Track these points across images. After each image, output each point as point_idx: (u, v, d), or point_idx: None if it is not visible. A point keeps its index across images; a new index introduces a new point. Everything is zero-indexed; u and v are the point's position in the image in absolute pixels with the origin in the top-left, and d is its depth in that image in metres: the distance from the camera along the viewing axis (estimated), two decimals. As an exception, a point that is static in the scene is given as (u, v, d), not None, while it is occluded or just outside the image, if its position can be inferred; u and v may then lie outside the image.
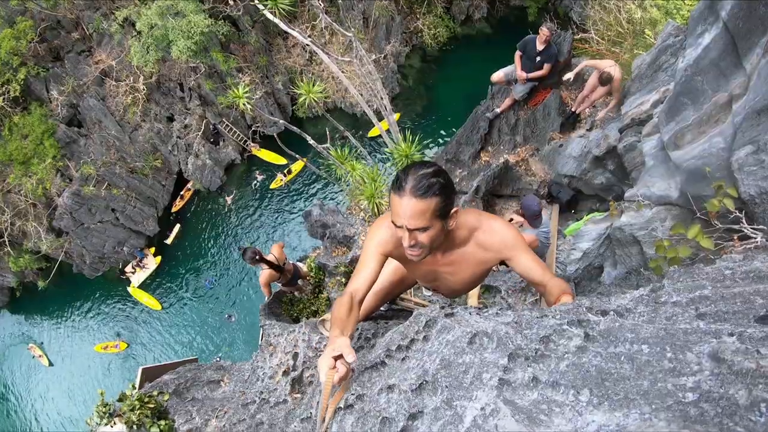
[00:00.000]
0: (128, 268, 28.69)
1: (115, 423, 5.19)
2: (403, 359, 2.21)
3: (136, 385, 5.84)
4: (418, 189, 2.24)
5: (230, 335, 26.05)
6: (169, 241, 29.07)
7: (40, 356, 29.17)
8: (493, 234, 2.62)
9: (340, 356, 2.15)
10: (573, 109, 10.08)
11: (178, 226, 29.21)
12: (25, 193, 25.29)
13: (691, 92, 4.45)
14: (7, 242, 26.36)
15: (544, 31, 9.30)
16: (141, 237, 28.66)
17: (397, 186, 2.28)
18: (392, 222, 2.39)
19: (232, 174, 29.48)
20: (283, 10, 17.25)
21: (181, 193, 29.64)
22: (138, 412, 5.19)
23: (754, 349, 0.83)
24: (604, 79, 8.54)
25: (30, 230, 26.14)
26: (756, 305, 0.95)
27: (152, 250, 29.05)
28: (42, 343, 29.74)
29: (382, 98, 12.63)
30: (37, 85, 24.83)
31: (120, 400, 5.43)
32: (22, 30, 23.24)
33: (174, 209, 29.57)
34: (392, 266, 3.64)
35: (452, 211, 2.42)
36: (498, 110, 11.40)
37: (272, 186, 28.27)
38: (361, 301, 2.59)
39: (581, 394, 1.02)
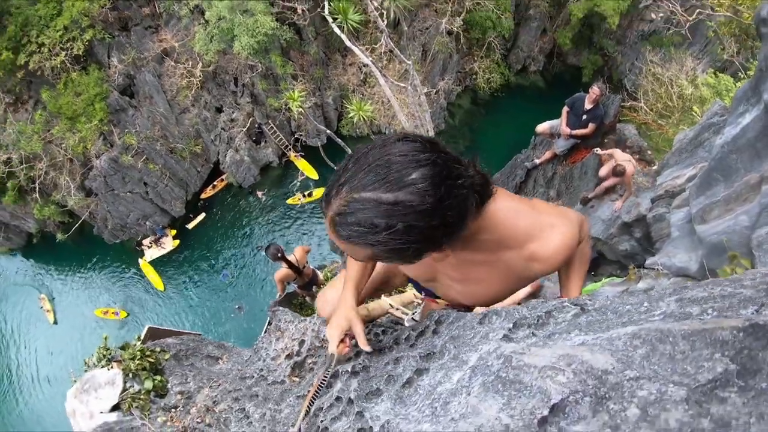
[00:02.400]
0: (146, 242, 29.21)
1: (112, 367, 5.36)
2: (412, 345, 2.07)
3: (141, 338, 6.02)
4: (340, 224, 1.29)
5: (236, 326, 26.19)
6: (190, 225, 29.53)
7: (48, 311, 29.64)
8: (548, 247, 1.73)
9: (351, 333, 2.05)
10: (585, 194, 10.20)
11: (203, 214, 29.69)
12: (65, 147, 25.93)
13: (724, 169, 4.57)
14: (37, 189, 27.01)
15: (594, 90, 9.44)
16: (166, 216, 29.18)
17: (326, 193, 1.34)
18: None
19: (266, 175, 29.97)
20: (351, 26, 17.85)
21: (214, 182, 30.20)
22: (138, 362, 5.38)
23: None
24: (618, 172, 8.68)
25: (61, 183, 26.75)
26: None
27: (173, 231, 29.51)
28: (53, 299, 30.17)
29: (428, 130, 12.89)
30: (100, 49, 25.62)
31: (122, 348, 5.63)
32: (95, -5, 24.13)
33: (203, 196, 30.10)
34: None
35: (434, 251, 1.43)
36: (537, 161, 11.55)
37: (289, 202, 28.73)
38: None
39: (572, 333, 1.20)
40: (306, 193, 28.50)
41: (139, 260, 29.23)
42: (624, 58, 28.25)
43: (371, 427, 1.69)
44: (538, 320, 1.50)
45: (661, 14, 25.76)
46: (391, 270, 2.60)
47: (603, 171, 9.49)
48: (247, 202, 29.65)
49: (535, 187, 11.73)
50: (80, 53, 24.35)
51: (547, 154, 11.30)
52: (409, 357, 1.90)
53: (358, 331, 2.04)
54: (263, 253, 26.98)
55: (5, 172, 26.34)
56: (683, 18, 21.99)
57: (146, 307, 28.31)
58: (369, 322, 3.17)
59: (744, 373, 0.74)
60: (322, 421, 2.06)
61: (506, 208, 1.68)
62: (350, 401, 1.96)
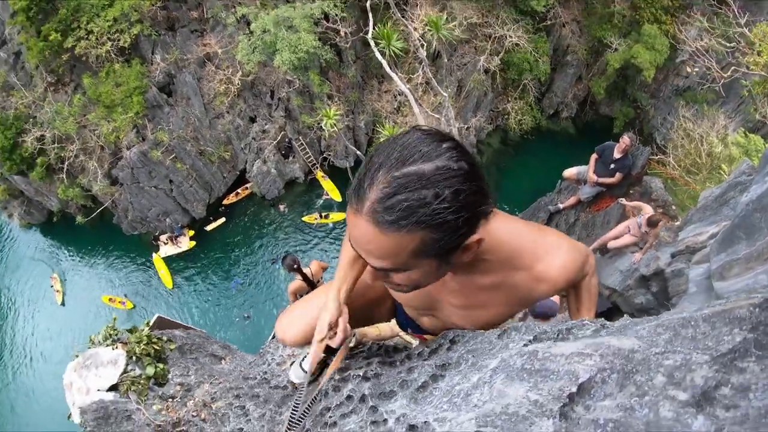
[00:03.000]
0: (162, 238, 29.52)
1: (117, 348, 5.40)
2: (426, 359, 2.00)
3: (150, 324, 6.08)
4: (387, 210, 1.21)
5: (241, 334, 26.21)
6: (209, 228, 29.79)
7: (57, 291, 30.08)
8: (554, 267, 1.69)
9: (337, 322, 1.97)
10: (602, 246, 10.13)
11: (223, 219, 29.98)
12: (98, 134, 26.44)
13: (748, 227, 4.54)
14: (65, 170, 27.50)
15: (624, 139, 9.46)
16: (186, 215, 29.50)
17: (355, 190, 1.27)
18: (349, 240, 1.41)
19: (290, 190, 30.25)
20: (392, 53, 18.15)
21: (238, 190, 30.53)
22: (143, 347, 5.42)
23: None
24: (652, 222, 8.64)
25: (89, 168, 27.24)
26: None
27: (191, 232, 29.80)
28: (65, 280, 30.55)
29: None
30: (146, 45, 26.19)
31: (130, 331, 5.69)
32: (149, -9, 24.81)
33: (225, 202, 30.42)
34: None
35: (468, 241, 1.36)
36: (561, 206, 11.53)
37: (305, 219, 28.94)
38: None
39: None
40: (323, 215, 28.68)
41: (153, 254, 29.55)
42: (656, 111, 28.33)
43: (386, 419, 1.68)
44: (558, 334, 1.51)
45: (697, 69, 25.87)
46: (375, 299, 2.37)
47: (619, 228, 9.45)
48: (268, 213, 29.89)
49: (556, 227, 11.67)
50: (126, 46, 24.93)
51: (572, 200, 11.28)
52: (423, 365, 1.89)
53: (339, 317, 1.98)
54: (277, 266, 27.14)
55: (37, 149, 26.92)
56: (718, 75, 22.07)
57: (152, 301, 28.50)
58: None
59: (761, 343, 0.79)
60: (330, 417, 2.04)
61: (509, 228, 1.65)
62: (363, 398, 1.95)
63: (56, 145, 26.86)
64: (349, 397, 2.05)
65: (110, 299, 28.75)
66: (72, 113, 26.02)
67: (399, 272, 1.37)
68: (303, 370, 3.05)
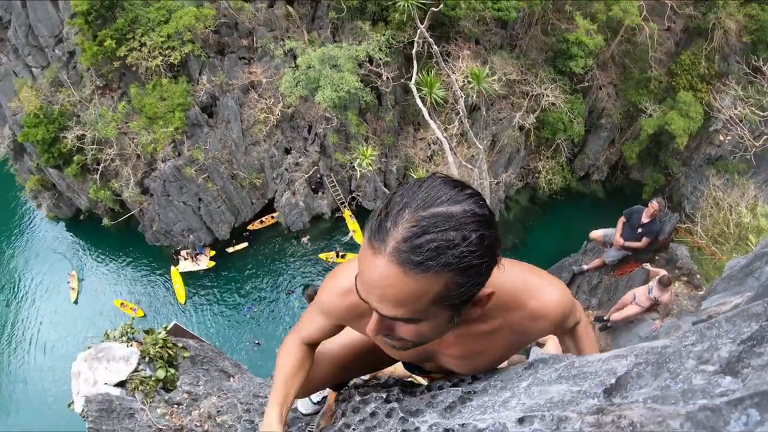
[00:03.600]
0: (183, 253, 29.87)
1: (132, 346, 5.45)
2: (449, 388, 1.93)
3: (168, 329, 6.12)
4: (414, 250, 1.15)
5: (249, 359, 26.08)
6: (230, 250, 30.05)
7: (73, 288, 30.52)
8: (548, 302, 1.68)
9: None
10: (606, 318, 9.98)
11: (245, 243, 30.27)
12: (137, 143, 27.10)
13: (770, 296, 4.48)
14: (99, 172, 28.11)
15: (653, 204, 9.43)
16: (210, 235, 29.83)
17: (376, 230, 1.20)
18: (356, 287, 1.33)
19: (315, 225, 30.54)
20: (433, 101, 18.43)
21: (264, 217, 30.94)
22: (158, 349, 5.46)
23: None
24: (665, 281, 8.52)
25: (123, 174, 27.83)
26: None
27: (212, 252, 30.08)
28: (82, 279, 30.96)
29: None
30: (194, 64, 27.00)
31: (147, 332, 5.73)
32: (204, 14, 25.63)
33: (250, 227, 30.79)
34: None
35: (482, 293, 1.34)
36: (585, 267, 11.44)
37: (321, 256, 29.06)
38: (313, 354, 2.03)
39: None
40: (341, 254, 28.77)
41: (172, 267, 29.86)
42: (687, 180, 28.30)
43: (418, 427, 1.65)
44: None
45: (729, 137, 25.87)
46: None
47: (625, 298, 9.34)
48: (290, 244, 30.12)
49: (578, 293, 11.57)
50: (176, 63, 25.76)
51: (596, 262, 11.20)
52: (449, 391, 1.84)
53: None
54: (292, 297, 27.16)
55: (75, 147, 27.67)
56: (751, 144, 22.00)
57: (163, 313, 28.67)
58: None
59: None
60: (353, 430, 2.01)
61: (503, 272, 1.48)
62: (390, 412, 1.89)
63: (95, 146, 27.57)
64: (373, 414, 2.00)
65: (122, 304, 29.07)
66: (115, 119, 26.75)
67: (409, 324, 1.30)
68: (312, 401, 3.05)
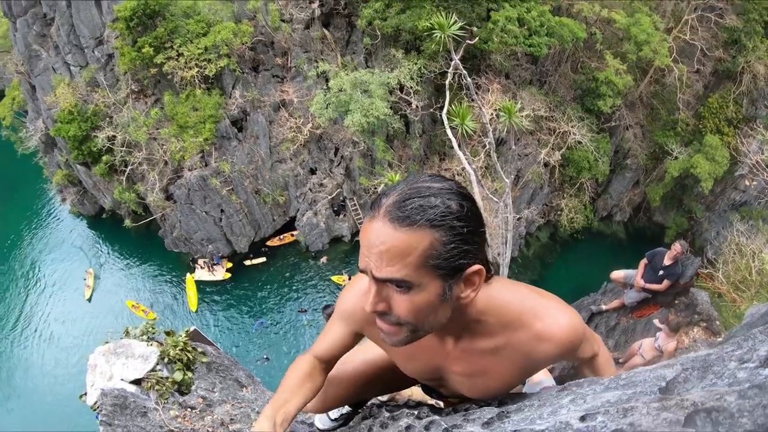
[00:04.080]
0: (200, 262, 30.10)
1: (152, 345, 5.49)
2: (479, 407, 1.88)
3: (189, 333, 6.17)
4: (401, 208, 1.32)
5: (257, 374, 26.00)
6: (247, 263, 30.22)
7: (88, 286, 30.88)
8: (554, 325, 1.63)
9: None
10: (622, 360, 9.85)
11: (263, 258, 30.46)
12: (166, 150, 27.56)
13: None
14: (126, 173, 28.67)
15: (676, 247, 9.35)
16: (228, 247, 30.09)
17: (372, 204, 1.41)
18: (359, 266, 1.47)
19: (334, 247, 30.69)
20: (464, 132, 18.50)
21: (284, 235, 31.15)
22: (178, 351, 5.50)
23: None
24: (674, 326, 8.43)
25: (149, 178, 28.27)
26: None
27: (229, 264, 30.27)
28: (99, 278, 31.37)
29: (504, 253, 12.91)
30: (228, 78, 27.49)
31: (168, 333, 5.79)
32: (242, 31, 26.22)
33: (269, 243, 31.01)
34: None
35: (470, 269, 1.40)
36: (604, 307, 11.36)
37: (333, 279, 29.10)
38: (326, 371, 2.00)
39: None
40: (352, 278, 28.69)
41: (188, 274, 30.09)
42: (710, 225, 28.08)
43: None
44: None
45: (755, 183, 25.59)
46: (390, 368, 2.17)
47: (631, 349, 9.23)
48: (307, 264, 30.23)
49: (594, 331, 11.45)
50: (210, 75, 26.24)
51: (616, 303, 11.11)
52: (483, 410, 1.80)
53: None
54: (305, 316, 27.16)
55: (105, 147, 28.28)
56: None
57: (172, 318, 28.87)
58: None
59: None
60: None
61: (507, 289, 1.65)
62: (429, 425, 1.82)
63: (124, 148, 28.15)
64: (409, 428, 1.93)
65: (134, 305, 29.30)
66: (146, 123, 27.31)
67: (402, 293, 1.38)
68: (329, 417, 3.06)
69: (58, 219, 36.71)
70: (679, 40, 27.49)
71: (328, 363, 1.99)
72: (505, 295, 1.61)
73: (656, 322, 9.59)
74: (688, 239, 26.46)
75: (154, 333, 5.76)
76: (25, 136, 33.48)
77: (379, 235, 1.33)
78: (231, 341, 27.59)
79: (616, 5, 26.90)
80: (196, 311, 29.04)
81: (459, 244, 1.33)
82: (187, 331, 6.06)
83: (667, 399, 0.91)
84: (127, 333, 5.90)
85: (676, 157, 26.71)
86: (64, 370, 27.71)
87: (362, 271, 1.44)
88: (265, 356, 26.63)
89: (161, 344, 5.64)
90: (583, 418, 1.02)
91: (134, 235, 31.76)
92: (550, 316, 1.62)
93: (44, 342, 29.78)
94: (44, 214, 37.59)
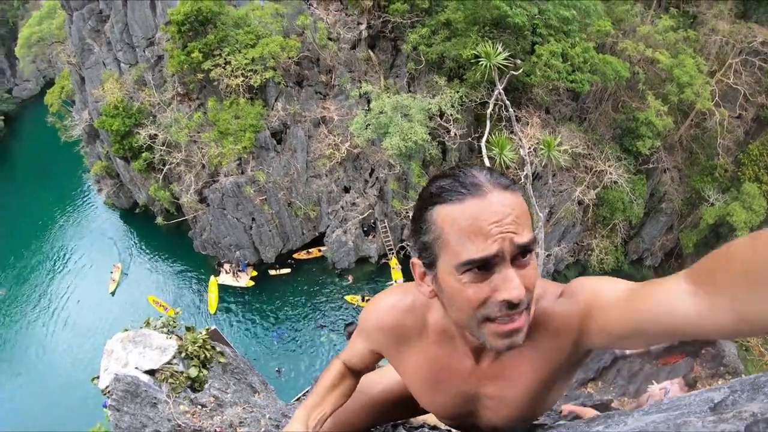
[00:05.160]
0: (226, 266, 30.39)
1: (171, 338, 5.53)
2: None
3: (209, 331, 6.21)
4: (502, 176, 1.29)
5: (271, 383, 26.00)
6: (272, 273, 30.36)
7: (113, 280, 31.42)
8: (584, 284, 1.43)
9: None
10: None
11: (288, 270, 30.57)
12: (204, 153, 27.97)
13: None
14: (163, 172, 29.24)
15: None
16: (256, 255, 30.27)
17: (464, 186, 1.25)
18: (464, 262, 1.24)
19: (360, 266, 30.68)
20: (503, 162, 18.47)
21: (311, 249, 31.22)
22: (196, 348, 5.54)
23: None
24: (690, 381, 8.17)
25: (185, 180, 28.75)
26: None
27: (254, 272, 30.47)
28: (126, 274, 31.95)
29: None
30: (272, 90, 27.87)
31: (188, 329, 5.83)
32: (290, 45, 26.59)
33: (296, 256, 31.11)
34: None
35: None
36: (628, 352, 11.12)
37: (347, 298, 29.00)
38: (357, 376, 1.96)
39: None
40: (366, 298, 28.62)
41: (212, 277, 30.37)
42: None
43: None
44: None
45: None
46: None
47: (643, 398, 8.95)
48: (332, 280, 30.24)
49: (616, 378, 11.22)
50: (255, 85, 26.60)
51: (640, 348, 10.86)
52: None
53: None
54: (323, 332, 27.10)
55: (146, 144, 28.89)
56: None
57: (189, 318, 29.00)
58: None
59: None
60: None
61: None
62: None
63: (164, 148, 28.74)
64: None
65: (155, 301, 29.64)
66: (188, 126, 27.84)
67: (530, 257, 1.26)
68: None
69: (93, 208, 37.97)
70: (722, 84, 27.10)
71: (356, 373, 1.95)
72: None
73: (658, 387, 9.28)
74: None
75: (175, 327, 5.81)
76: (70, 124, 34.71)
77: (506, 204, 1.22)
78: (244, 348, 27.62)
79: (661, 45, 26.62)
80: (215, 313, 29.21)
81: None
82: (207, 329, 6.12)
83: (723, 413, 0.87)
84: (147, 323, 5.97)
85: (713, 204, 26.18)
86: (76, 354, 28.51)
87: (489, 260, 1.20)
88: (276, 369, 26.52)
89: (180, 339, 5.69)
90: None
91: (164, 233, 32.32)
92: (577, 283, 1.44)
93: (61, 324, 30.58)
94: (79, 201, 38.93)
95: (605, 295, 1.30)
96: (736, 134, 28.01)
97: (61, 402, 25.99)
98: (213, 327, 7.23)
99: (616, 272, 28.30)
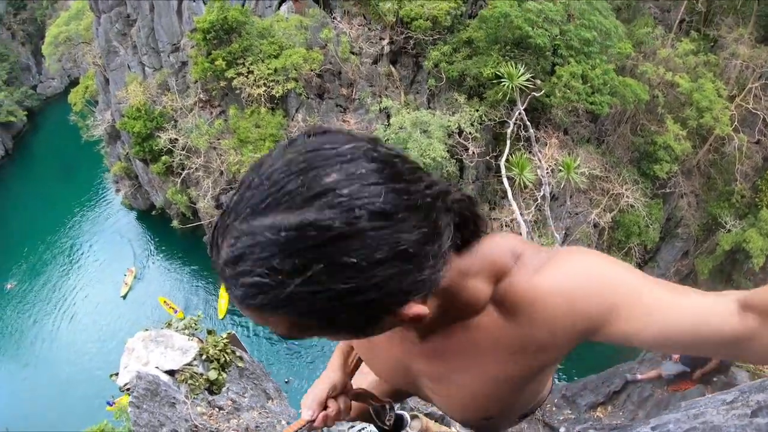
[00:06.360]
0: (240, 275, 30.47)
1: (193, 340, 5.65)
2: None
3: (229, 336, 6.33)
4: (235, 286, 0.78)
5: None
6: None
7: (126, 284, 31.67)
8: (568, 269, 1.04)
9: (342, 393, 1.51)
10: None
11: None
12: (223, 160, 28.17)
13: None
14: (181, 176, 29.54)
15: None
16: (269, 262, 30.33)
17: (212, 247, 0.86)
18: None
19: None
20: (521, 183, 18.56)
21: None
22: (217, 351, 5.65)
23: None
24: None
25: (203, 185, 28.96)
26: None
27: (266, 280, 30.53)
28: (139, 279, 32.22)
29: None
30: (293, 101, 28.12)
31: (209, 333, 5.95)
32: (312, 58, 26.82)
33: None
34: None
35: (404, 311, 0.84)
36: (639, 376, 11.04)
37: None
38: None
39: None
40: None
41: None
42: None
43: None
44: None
45: None
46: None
47: None
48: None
49: (626, 404, 11.17)
50: (276, 95, 26.87)
51: (652, 373, 10.80)
52: None
53: (317, 395, 1.48)
54: (333, 344, 26.93)
55: (166, 148, 29.24)
56: None
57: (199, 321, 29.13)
58: None
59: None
60: None
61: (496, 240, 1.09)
62: None
63: (184, 152, 29.08)
64: None
65: (165, 302, 29.86)
66: (209, 132, 28.12)
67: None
68: None
69: (110, 207, 38.62)
70: (741, 109, 26.81)
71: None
72: (485, 244, 1.05)
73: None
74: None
75: (196, 329, 5.94)
76: (92, 124, 35.14)
77: (243, 309, 0.82)
78: (254, 354, 27.61)
79: (681, 69, 26.48)
80: (223, 318, 29.32)
81: (339, 322, 0.80)
82: (228, 333, 6.23)
83: (734, 403, 0.94)
84: (169, 325, 6.10)
85: (729, 230, 25.85)
86: (83, 351, 28.99)
87: None
88: (286, 380, 26.39)
89: (201, 341, 5.81)
90: (654, 428, 1.05)
91: (179, 236, 32.55)
92: (559, 258, 1.05)
93: (68, 320, 31.13)
94: (97, 199, 39.69)
95: (632, 299, 0.97)
96: (755, 160, 27.73)
97: (64, 397, 26.35)
98: (233, 331, 7.35)
99: (630, 297, 28.12)
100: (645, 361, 11.54)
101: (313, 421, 1.42)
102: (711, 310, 0.90)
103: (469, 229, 1.01)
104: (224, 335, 6.02)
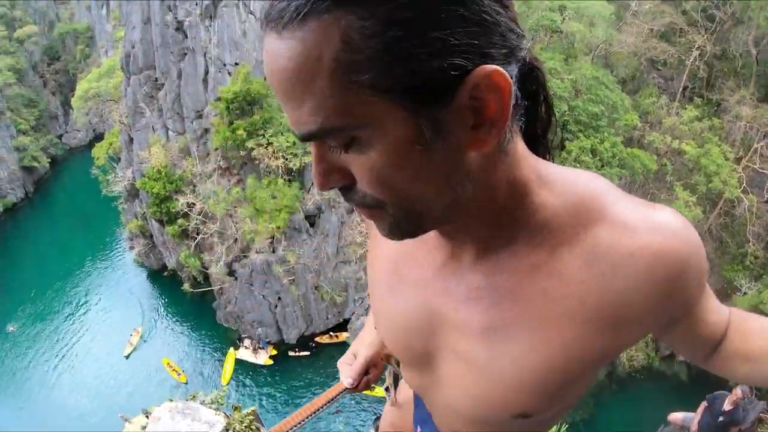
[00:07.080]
0: (246, 342, 30.25)
1: (219, 415, 5.71)
2: None
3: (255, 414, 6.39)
4: (278, 10, 0.58)
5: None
6: (292, 354, 30.17)
7: (130, 344, 31.41)
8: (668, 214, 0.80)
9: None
10: None
11: (309, 353, 30.28)
12: (239, 228, 28.57)
13: None
14: (196, 240, 29.84)
15: (737, 392, 8.94)
16: (278, 334, 30.26)
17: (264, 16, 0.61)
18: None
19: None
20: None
21: (335, 333, 30.90)
22: (243, 427, 5.70)
23: None
24: None
25: (217, 251, 29.28)
26: None
27: (273, 351, 30.31)
28: (145, 340, 31.98)
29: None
30: (309, 174, 28.21)
31: (235, 408, 6.02)
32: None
33: (318, 339, 30.82)
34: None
35: (473, 75, 0.59)
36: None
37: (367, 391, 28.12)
38: None
39: None
40: (385, 387, 27.68)
41: (231, 348, 30.27)
42: None
43: None
44: None
45: None
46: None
47: None
48: (351, 368, 29.63)
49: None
50: (294, 168, 27.56)
51: (671, 461, 10.57)
52: None
53: (358, 363, 1.41)
54: (339, 418, 26.32)
55: (183, 211, 29.71)
56: None
57: (201, 385, 28.39)
58: None
59: None
60: None
61: (574, 173, 0.82)
62: None
63: (200, 217, 29.49)
64: None
65: (169, 363, 29.53)
66: (226, 200, 28.49)
67: (354, 148, 0.64)
68: None
69: (122, 263, 38.84)
70: (748, 170, 26.97)
71: None
72: (565, 175, 0.80)
73: None
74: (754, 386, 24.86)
75: (222, 404, 6.01)
76: (113, 180, 36.13)
77: (275, 59, 0.61)
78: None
79: (687, 135, 26.87)
80: (227, 384, 28.70)
81: (407, 25, 0.57)
82: (253, 410, 6.29)
83: None
84: (193, 397, 6.17)
85: (745, 293, 25.49)
86: (77, 403, 28.71)
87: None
88: None
89: (227, 416, 5.87)
90: None
91: (189, 299, 32.51)
92: (650, 207, 0.80)
93: (68, 369, 30.98)
94: (110, 254, 40.01)
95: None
96: (766, 219, 27.69)
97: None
98: (254, 408, 7.40)
99: (647, 369, 27.43)
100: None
101: (355, 387, 1.43)
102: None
103: (536, 122, 0.80)
104: (249, 411, 6.08)
